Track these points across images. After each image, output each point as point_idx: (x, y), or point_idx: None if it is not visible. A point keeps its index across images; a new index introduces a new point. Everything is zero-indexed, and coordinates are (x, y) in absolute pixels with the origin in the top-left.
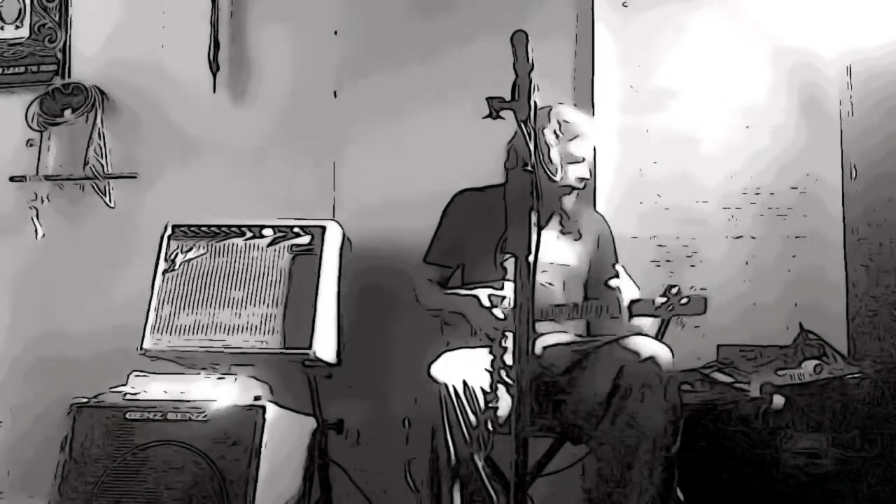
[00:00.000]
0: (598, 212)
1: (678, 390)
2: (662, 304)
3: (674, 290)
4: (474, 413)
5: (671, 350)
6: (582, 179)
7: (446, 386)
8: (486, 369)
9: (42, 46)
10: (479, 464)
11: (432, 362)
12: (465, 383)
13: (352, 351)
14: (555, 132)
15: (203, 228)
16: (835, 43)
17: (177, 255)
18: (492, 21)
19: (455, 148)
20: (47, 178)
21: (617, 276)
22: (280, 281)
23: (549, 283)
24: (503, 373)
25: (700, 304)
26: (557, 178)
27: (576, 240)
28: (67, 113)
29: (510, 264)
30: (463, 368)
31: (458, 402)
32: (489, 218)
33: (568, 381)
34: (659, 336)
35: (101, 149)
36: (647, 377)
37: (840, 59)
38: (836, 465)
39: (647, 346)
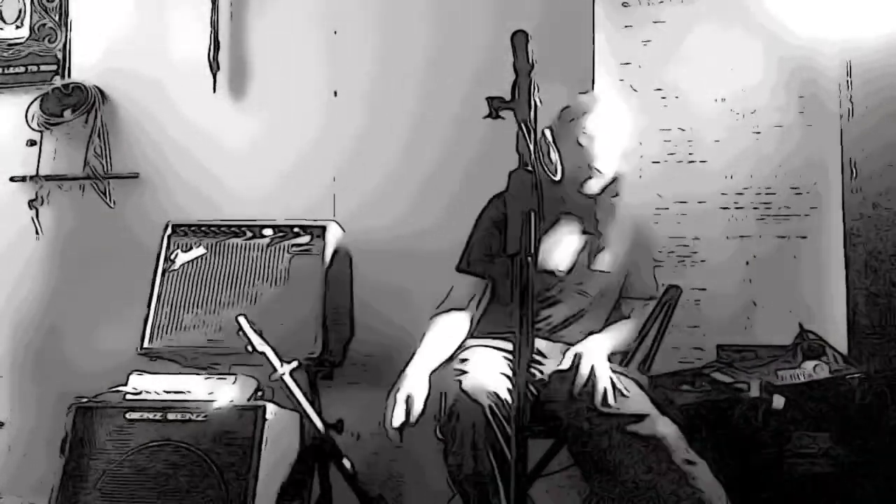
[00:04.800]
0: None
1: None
2: None
3: None
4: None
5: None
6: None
7: (482, 406)
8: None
9: (42, 46)
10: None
11: (459, 375)
12: (499, 398)
13: (353, 349)
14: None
15: (203, 228)
16: (835, 41)
17: (177, 254)
18: (492, 20)
19: (456, 147)
20: (47, 178)
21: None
22: (280, 281)
23: (584, 292)
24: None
25: None
26: (557, 178)
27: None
28: (67, 113)
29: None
30: (495, 383)
31: (496, 420)
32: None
33: (563, 408)
34: (656, 340)
35: (101, 149)
36: (654, 463)
37: (840, 58)
38: (836, 465)
39: (652, 429)
